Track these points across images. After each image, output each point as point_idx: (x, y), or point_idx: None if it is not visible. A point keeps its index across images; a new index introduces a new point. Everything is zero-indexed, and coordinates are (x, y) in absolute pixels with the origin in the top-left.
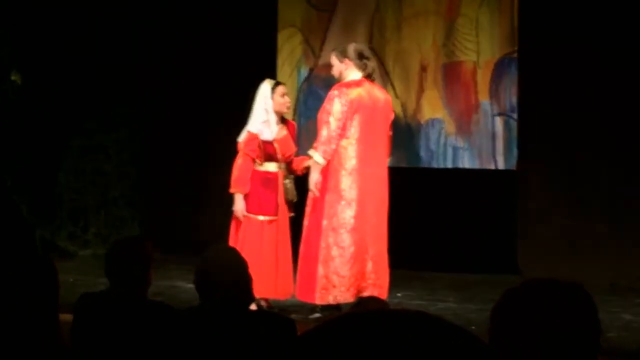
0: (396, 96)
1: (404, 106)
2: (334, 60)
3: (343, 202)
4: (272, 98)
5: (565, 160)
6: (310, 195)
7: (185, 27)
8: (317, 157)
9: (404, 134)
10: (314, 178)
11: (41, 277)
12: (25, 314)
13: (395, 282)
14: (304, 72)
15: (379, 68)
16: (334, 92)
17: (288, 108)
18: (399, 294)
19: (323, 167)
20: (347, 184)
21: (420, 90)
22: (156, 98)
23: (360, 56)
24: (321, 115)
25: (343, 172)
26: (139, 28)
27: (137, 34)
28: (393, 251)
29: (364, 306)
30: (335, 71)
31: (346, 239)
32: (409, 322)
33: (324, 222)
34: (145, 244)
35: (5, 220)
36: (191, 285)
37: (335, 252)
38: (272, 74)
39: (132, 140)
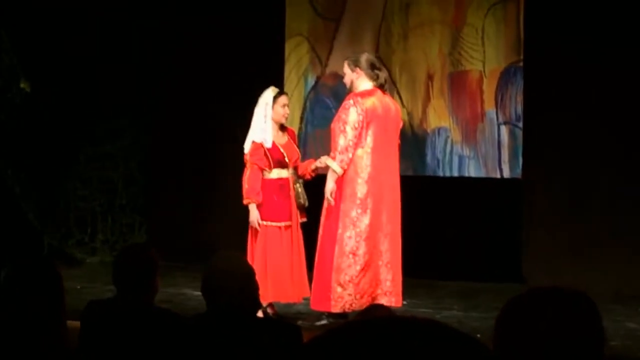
0: (403, 105)
1: (410, 115)
2: (347, 69)
3: (359, 211)
4: (273, 107)
5: (570, 168)
6: (325, 203)
7: (193, 35)
8: (335, 166)
9: (411, 142)
10: (330, 186)
11: (44, 280)
12: (29, 317)
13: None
14: (311, 80)
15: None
16: (349, 101)
17: (286, 119)
18: (404, 302)
19: (339, 176)
20: (363, 193)
21: (427, 99)
22: (163, 106)
23: (372, 66)
24: (336, 124)
25: (359, 181)
26: (146, 36)
27: (144, 43)
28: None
29: (370, 314)
30: (347, 80)
31: (361, 247)
32: (417, 329)
33: (339, 231)
34: (152, 251)
35: (13, 227)
36: (198, 293)
37: (350, 260)
38: (279, 83)
39: (139, 148)
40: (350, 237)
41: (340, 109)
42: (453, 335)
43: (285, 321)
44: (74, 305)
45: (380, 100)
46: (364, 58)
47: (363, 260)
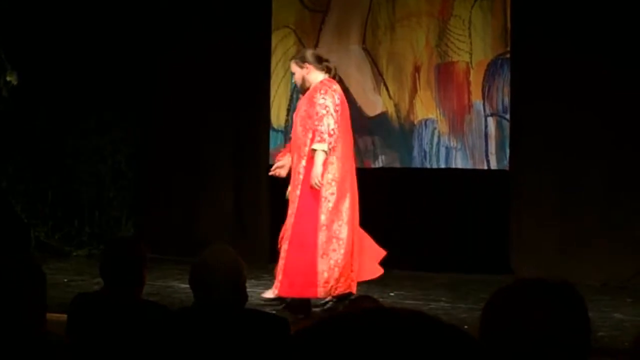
0: (389, 97)
1: (397, 107)
2: (295, 67)
3: (339, 194)
4: None
5: (558, 160)
6: (300, 188)
7: (179, 27)
8: (325, 147)
9: (397, 134)
10: (320, 170)
11: (24, 276)
12: (9, 311)
13: (388, 282)
14: None
15: (371, 68)
16: (325, 88)
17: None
18: (392, 294)
19: (310, 165)
20: (342, 176)
21: (414, 90)
22: (150, 99)
23: (319, 59)
24: (318, 109)
25: (339, 165)
26: (135, 28)
27: (133, 35)
28: (386, 251)
29: (358, 305)
30: (297, 78)
31: (344, 230)
32: (405, 320)
33: (322, 217)
34: (139, 244)
35: (0, 220)
36: (185, 286)
37: (335, 244)
38: (266, 75)
39: (127, 141)
40: (333, 222)
41: (317, 95)
42: (439, 327)
43: (273, 314)
44: (61, 298)
45: (340, 90)
46: (309, 53)
47: (346, 243)
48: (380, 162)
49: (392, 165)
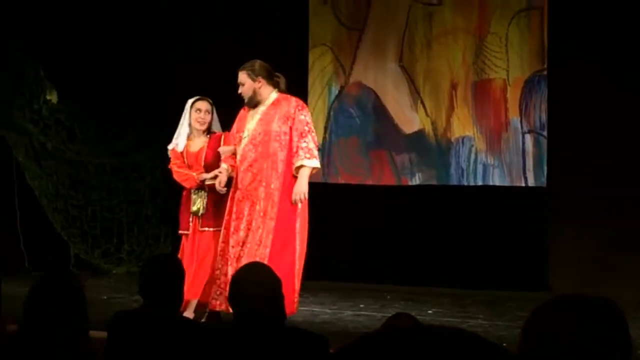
0: (426, 114)
1: (434, 124)
2: (246, 79)
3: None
4: (190, 112)
5: (595, 176)
6: (275, 207)
7: (218, 45)
8: (317, 163)
9: (435, 151)
10: (307, 187)
11: (65, 296)
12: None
13: (425, 299)
14: (335, 90)
15: (408, 86)
16: (299, 104)
17: (201, 124)
18: (429, 311)
19: (290, 179)
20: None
21: (451, 108)
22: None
23: (271, 74)
24: (297, 126)
25: None
26: (173, 47)
27: (171, 53)
28: (424, 268)
29: (396, 322)
30: (247, 89)
31: (305, 248)
32: (446, 338)
33: (297, 236)
34: (178, 261)
35: (40, 238)
36: None
37: (302, 261)
38: (303, 92)
39: (165, 158)
40: (303, 241)
41: (292, 111)
42: (480, 344)
43: (312, 331)
44: (100, 315)
45: None
46: (261, 66)
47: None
48: (417, 180)
49: (429, 182)
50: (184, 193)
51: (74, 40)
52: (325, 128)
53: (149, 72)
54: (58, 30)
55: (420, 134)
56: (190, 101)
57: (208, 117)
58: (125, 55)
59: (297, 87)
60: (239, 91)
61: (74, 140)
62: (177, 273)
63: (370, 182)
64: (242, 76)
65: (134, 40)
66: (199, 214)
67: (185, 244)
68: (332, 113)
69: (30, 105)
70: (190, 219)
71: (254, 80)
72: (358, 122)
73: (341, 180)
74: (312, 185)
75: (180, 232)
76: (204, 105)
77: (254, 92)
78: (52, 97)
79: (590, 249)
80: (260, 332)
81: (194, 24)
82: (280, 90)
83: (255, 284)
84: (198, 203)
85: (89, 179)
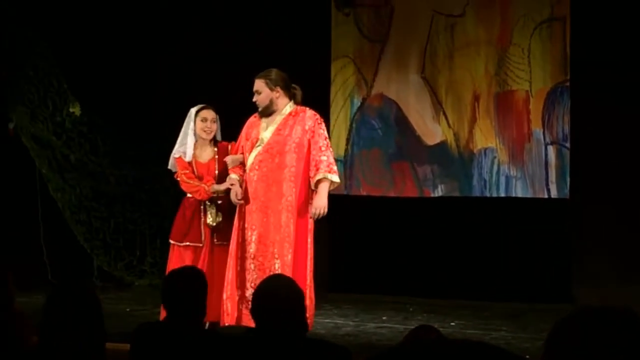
0: (449, 125)
1: (456, 135)
2: (264, 87)
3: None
4: (195, 121)
5: (619, 188)
6: (294, 221)
7: (241, 57)
8: (336, 178)
9: (457, 163)
10: (326, 201)
11: (82, 305)
12: (69, 341)
13: (448, 312)
14: (357, 101)
15: (431, 97)
16: (317, 118)
17: (208, 134)
18: (452, 323)
19: (306, 192)
20: None
21: (473, 119)
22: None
23: (288, 85)
24: (317, 139)
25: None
26: (195, 58)
27: (193, 64)
28: (447, 280)
29: (419, 335)
30: (264, 98)
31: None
32: (471, 351)
33: (309, 250)
34: (201, 273)
35: (63, 250)
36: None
37: (311, 278)
38: (325, 104)
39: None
40: (312, 258)
41: (312, 124)
42: (504, 356)
43: (334, 343)
44: (123, 327)
45: None
46: (280, 76)
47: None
48: (439, 191)
49: (451, 194)
50: (185, 203)
51: (97, 52)
52: (347, 140)
53: (172, 84)
54: (80, 42)
55: (442, 146)
56: (194, 110)
57: (214, 126)
58: (150, 67)
59: (319, 99)
60: (254, 99)
61: (96, 152)
62: (201, 285)
63: (392, 194)
64: (260, 84)
65: (158, 51)
66: (215, 226)
67: (186, 257)
68: (354, 125)
69: (54, 117)
70: (202, 231)
71: (271, 90)
72: (380, 133)
73: (363, 192)
74: (334, 197)
75: (185, 243)
76: (210, 114)
77: (270, 102)
78: (75, 110)
79: (613, 261)
80: (283, 343)
81: (222, 36)
82: (296, 102)
83: (279, 296)
84: (214, 215)
85: (111, 190)
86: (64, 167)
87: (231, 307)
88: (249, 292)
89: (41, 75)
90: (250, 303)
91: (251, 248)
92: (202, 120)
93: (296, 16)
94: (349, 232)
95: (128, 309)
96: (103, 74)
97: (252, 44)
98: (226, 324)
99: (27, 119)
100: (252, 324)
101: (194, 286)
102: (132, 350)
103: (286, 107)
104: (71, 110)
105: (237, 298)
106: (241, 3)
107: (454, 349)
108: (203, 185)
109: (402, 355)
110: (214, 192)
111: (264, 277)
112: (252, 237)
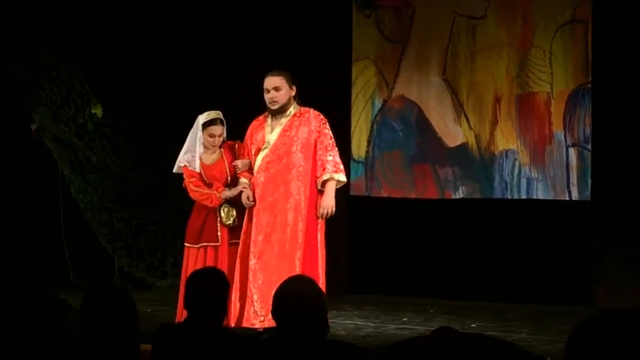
0: (470, 127)
1: (477, 137)
2: (284, 84)
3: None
4: (203, 135)
5: (639, 190)
6: (303, 220)
7: (261, 59)
8: (343, 177)
9: (478, 165)
10: (333, 202)
11: (120, 308)
12: (105, 342)
13: (469, 313)
14: (378, 103)
15: (452, 99)
16: (322, 117)
17: (213, 147)
18: (473, 325)
19: (314, 192)
20: None
21: (494, 121)
22: (230, 130)
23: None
24: (322, 139)
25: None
26: (216, 60)
27: (214, 67)
28: (467, 282)
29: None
30: (284, 96)
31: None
32: (489, 346)
33: (319, 250)
34: (223, 274)
35: (85, 251)
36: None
37: (324, 277)
38: (346, 106)
39: None
40: (324, 256)
41: (316, 124)
42: (522, 354)
43: (353, 344)
44: (145, 328)
45: None
46: (292, 76)
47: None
48: (460, 193)
49: (472, 196)
50: (199, 204)
51: (119, 54)
52: (368, 142)
53: (193, 86)
54: (102, 43)
55: (463, 148)
56: (201, 119)
57: (222, 138)
58: (171, 69)
59: (340, 101)
60: (271, 96)
61: (118, 154)
62: (224, 286)
63: (413, 195)
64: (280, 81)
65: (181, 54)
66: (231, 226)
67: (202, 258)
68: (375, 127)
69: (76, 119)
70: (219, 230)
71: (290, 88)
72: (401, 135)
73: (384, 194)
74: (354, 199)
75: (201, 244)
76: (217, 130)
77: (288, 100)
78: (97, 111)
79: (634, 263)
80: (303, 344)
81: (238, 35)
82: (298, 103)
83: (300, 297)
84: (230, 215)
85: (133, 192)
86: (86, 169)
87: (236, 308)
88: (253, 293)
89: (64, 77)
90: (254, 304)
91: (257, 248)
92: (210, 136)
93: (317, 18)
94: (370, 234)
95: (149, 310)
96: (125, 76)
97: (274, 48)
98: (230, 325)
99: (49, 120)
100: (253, 325)
101: (217, 287)
102: (154, 350)
103: (291, 108)
104: (93, 111)
105: (243, 298)
106: (262, 4)
107: (473, 342)
108: (214, 192)
109: (417, 345)
110: (224, 198)
111: (270, 277)
112: (258, 237)
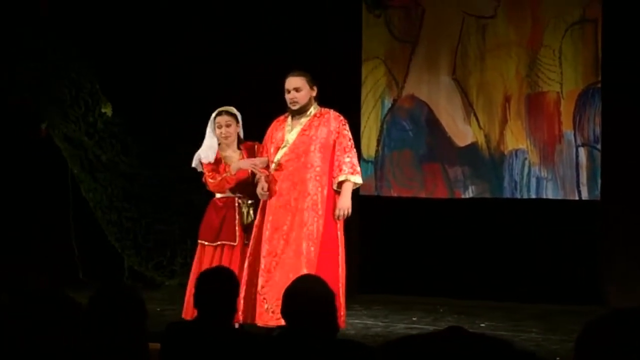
0: (480, 127)
1: (487, 137)
2: (305, 85)
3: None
4: (214, 127)
5: None
6: (320, 222)
7: (271, 59)
8: (359, 179)
9: (488, 164)
10: (350, 204)
11: (129, 307)
12: (114, 343)
13: (479, 312)
14: (388, 103)
15: (462, 99)
16: (342, 118)
17: (225, 138)
18: (482, 324)
19: (331, 192)
20: None
21: (504, 120)
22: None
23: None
24: (341, 140)
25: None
26: (225, 60)
27: (223, 67)
28: (477, 281)
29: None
30: (305, 96)
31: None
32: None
33: (340, 250)
34: (233, 274)
35: (94, 250)
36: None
37: (343, 277)
38: (356, 105)
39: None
40: (343, 256)
41: (336, 125)
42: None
43: (361, 343)
44: (154, 327)
45: None
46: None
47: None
48: (470, 193)
49: (482, 195)
50: (217, 202)
51: (129, 53)
52: (378, 141)
53: (203, 85)
54: (112, 42)
55: (473, 147)
56: (213, 114)
57: (230, 130)
58: (180, 67)
59: (350, 100)
60: (292, 96)
61: (127, 153)
62: (234, 285)
63: (423, 195)
64: (301, 81)
65: (190, 53)
66: (248, 226)
67: (218, 256)
68: (385, 126)
69: (86, 118)
70: (237, 230)
71: (311, 88)
72: (411, 135)
73: (394, 193)
74: (364, 198)
75: (219, 242)
76: (223, 120)
77: (309, 100)
78: (107, 110)
79: None
80: (313, 344)
81: (248, 37)
82: (318, 104)
83: (311, 296)
84: (250, 213)
85: (142, 191)
86: (96, 168)
87: (244, 305)
88: (266, 291)
89: (73, 76)
90: (265, 302)
91: (272, 246)
92: (218, 127)
93: (327, 18)
94: (380, 233)
95: (158, 309)
96: (135, 75)
97: (284, 48)
98: (238, 322)
99: (59, 119)
100: (267, 324)
101: (227, 286)
102: (162, 349)
103: (311, 108)
104: (103, 110)
105: (251, 295)
106: (275, 3)
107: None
108: (224, 175)
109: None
110: (235, 171)
111: (286, 275)
112: (273, 234)
